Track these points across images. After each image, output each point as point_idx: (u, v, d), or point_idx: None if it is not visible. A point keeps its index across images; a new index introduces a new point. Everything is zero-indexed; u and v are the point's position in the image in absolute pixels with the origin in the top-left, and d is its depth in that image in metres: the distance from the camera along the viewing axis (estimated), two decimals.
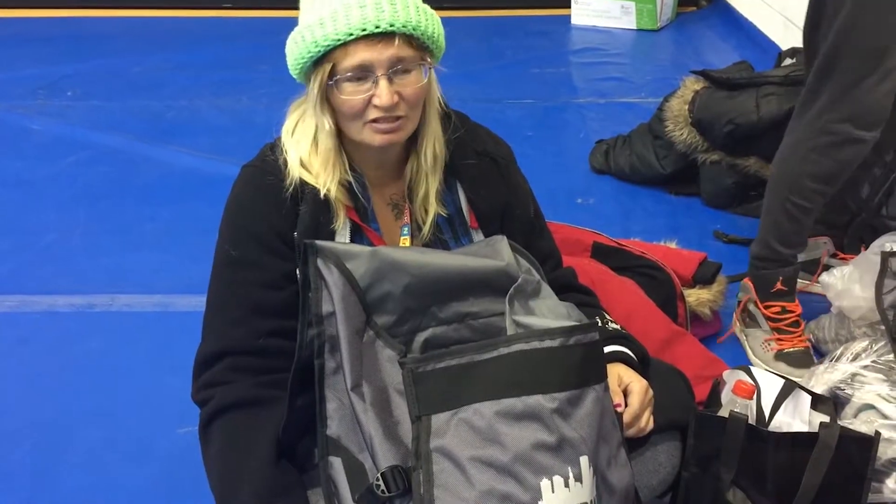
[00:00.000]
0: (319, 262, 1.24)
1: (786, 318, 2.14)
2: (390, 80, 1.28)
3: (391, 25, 1.25)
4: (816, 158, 1.98)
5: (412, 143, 1.42)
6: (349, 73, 1.27)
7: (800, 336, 2.14)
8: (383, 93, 1.27)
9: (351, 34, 1.25)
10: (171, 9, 5.10)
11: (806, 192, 2.02)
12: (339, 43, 1.26)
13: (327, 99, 1.32)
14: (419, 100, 1.33)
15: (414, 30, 1.27)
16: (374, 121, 1.31)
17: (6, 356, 2.24)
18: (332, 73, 1.29)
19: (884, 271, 1.84)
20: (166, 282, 2.52)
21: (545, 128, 3.59)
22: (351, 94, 1.29)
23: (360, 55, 1.26)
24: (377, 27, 1.24)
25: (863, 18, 1.84)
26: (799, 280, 2.23)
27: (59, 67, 4.22)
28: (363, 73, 1.28)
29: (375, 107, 1.29)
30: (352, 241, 1.38)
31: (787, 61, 2.95)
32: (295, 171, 1.36)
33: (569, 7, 4.92)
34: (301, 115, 1.38)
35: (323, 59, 1.29)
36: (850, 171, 2.02)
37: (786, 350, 2.12)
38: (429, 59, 1.33)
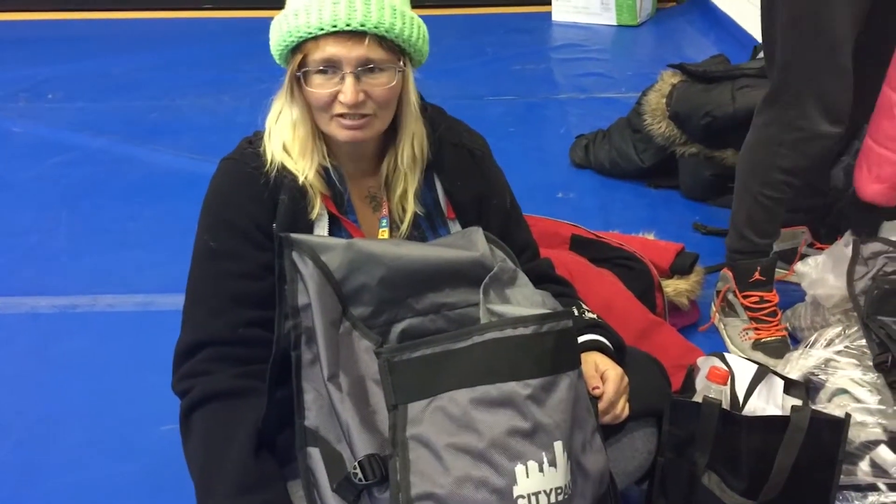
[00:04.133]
0: (294, 255, 1.26)
1: (763, 308, 2.16)
2: (358, 79, 1.30)
3: (362, 25, 1.27)
4: (786, 153, 2.02)
5: (390, 139, 1.44)
6: (317, 67, 1.30)
7: (777, 326, 2.16)
8: (348, 90, 1.30)
9: (321, 29, 1.27)
10: (152, 10, 5.10)
11: (777, 184, 2.06)
12: (311, 36, 1.29)
13: (300, 88, 1.35)
14: (388, 100, 1.35)
15: (387, 32, 1.29)
16: (341, 116, 1.33)
17: None
18: (302, 64, 1.32)
19: (855, 258, 1.87)
20: (148, 281, 2.53)
21: (526, 124, 3.61)
22: (318, 87, 1.32)
23: (329, 50, 1.29)
24: (347, 25, 1.27)
25: (806, 18, 1.88)
26: (777, 269, 2.26)
27: (41, 70, 4.22)
28: (330, 67, 1.30)
29: (341, 102, 1.31)
30: (330, 233, 1.40)
31: (763, 54, 2.98)
32: (277, 157, 1.38)
33: (549, 4, 4.94)
34: (283, 103, 1.40)
35: (297, 49, 1.32)
36: (819, 163, 2.05)
37: (763, 339, 2.14)
38: (403, 62, 1.35)
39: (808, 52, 1.91)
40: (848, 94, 1.94)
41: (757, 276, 2.14)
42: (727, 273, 2.23)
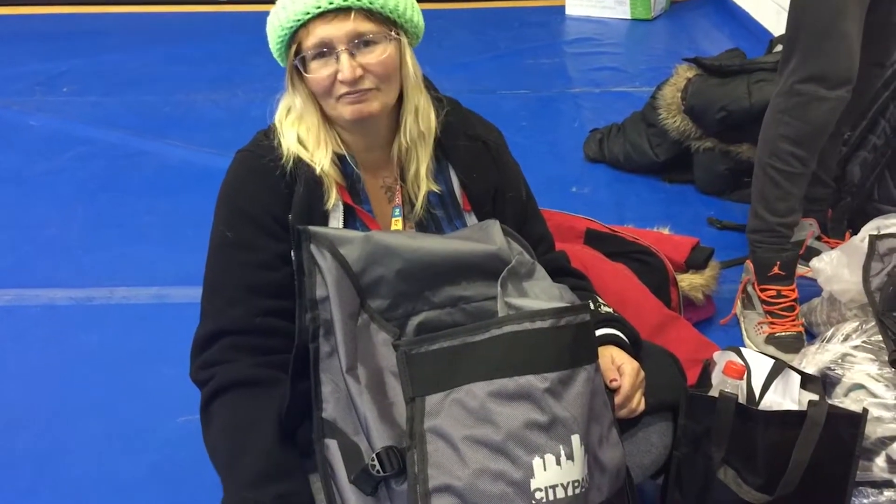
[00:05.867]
0: (313, 248, 1.27)
1: (780, 303, 2.15)
2: (352, 55, 1.31)
3: (344, 0, 1.29)
4: (788, 120, 2.04)
5: (398, 122, 1.44)
6: (312, 53, 1.32)
7: (793, 321, 2.15)
8: (345, 67, 1.31)
9: (307, 13, 1.30)
10: (167, 4, 5.12)
11: (782, 154, 2.07)
12: (300, 23, 1.31)
13: (301, 79, 1.36)
14: (387, 72, 1.35)
15: (371, 3, 1.31)
16: (344, 95, 1.34)
17: (6, 349, 2.26)
18: (298, 53, 1.33)
19: (871, 254, 1.85)
20: (164, 274, 2.54)
21: (540, 118, 3.61)
22: (316, 72, 1.33)
23: (318, 33, 1.31)
24: (331, 3, 1.29)
25: None
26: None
27: (56, 63, 4.24)
28: (324, 49, 1.32)
29: (341, 82, 1.32)
30: (345, 223, 1.40)
31: (779, 47, 2.96)
32: (292, 148, 1.39)
33: None
34: (288, 97, 1.41)
35: (291, 40, 1.34)
36: (823, 133, 2.06)
37: (777, 334, 2.14)
38: (395, 32, 1.35)
39: (812, 17, 1.95)
40: (848, 61, 1.96)
41: (776, 270, 2.14)
42: (749, 265, 2.22)
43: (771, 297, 2.15)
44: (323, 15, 1.30)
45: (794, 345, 2.09)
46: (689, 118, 2.81)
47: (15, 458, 1.90)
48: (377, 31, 1.33)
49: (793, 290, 2.16)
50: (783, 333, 2.13)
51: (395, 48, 1.35)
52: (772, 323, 2.15)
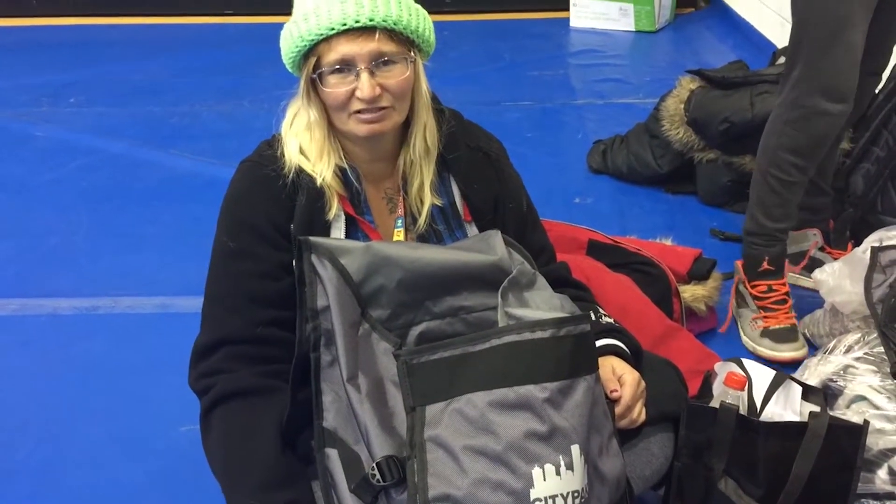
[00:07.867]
0: (313, 258, 1.27)
1: (771, 296, 2.18)
2: (372, 73, 1.32)
3: (371, 20, 1.29)
4: (791, 132, 2.04)
5: (404, 136, 1.45)
6: (332, 67, 1.32)
7: (786, 313, 2.18)
8: (364, 85, 1.31)
9: (332, 28, 1.29)
10: (173, 15, 5.14)
11: (783, 164, 2.08)
12: (322, 37, 1.31)
13: (315, 91, 1.36)
14: (403, 92, 1.36)
15: (395, 24, 1.31)
16: (359, 112, 1.35)
17: (10, 358, 2.27)
18: (316, 66, 1.33)
19: (873, 266, 1.85)
20: (167, 283, 2.55)
21: (543, 129, 3.62)
22: (334, 87, 1.33)
23: (341, 49, 1.31)
24: (357, 21, 1.29)
25: None
26: (790, 273, 2.26)
27: (63, 75, 4.27)
28: (345, 66, 1.32)
29: (358, 99, 1.33)
30: (347, 233, 1.41)
31: (782, 59, 2.97)
32: (294, 159, 1.39)
33: (567, 9, 4.95)
34: (298, 108, 1.42)
35: (309, 52, 1.34)
36: (824, 145, 2.07)
37: (771, 327, 2.16)
38: (413, 53, 1.36)
39: (816, 28, 1.94)
40: (851, 73, 1.96)
41: (766, 265, 2.17)
42: (738, 265, 2.25)
43: (762, 291, 2.18)
44: (347, 32, 1.30)
45: (787, 336, 2.12)
46: (692, 130, 2.81)
47: (17, 466, 1.90)
48: (397, 52, 1.33)
49: (783, 284, 2.19)
50: (777, 326, 2.15)
51: (412, 69, 1.36)
52: (765, 317, 2.17)
